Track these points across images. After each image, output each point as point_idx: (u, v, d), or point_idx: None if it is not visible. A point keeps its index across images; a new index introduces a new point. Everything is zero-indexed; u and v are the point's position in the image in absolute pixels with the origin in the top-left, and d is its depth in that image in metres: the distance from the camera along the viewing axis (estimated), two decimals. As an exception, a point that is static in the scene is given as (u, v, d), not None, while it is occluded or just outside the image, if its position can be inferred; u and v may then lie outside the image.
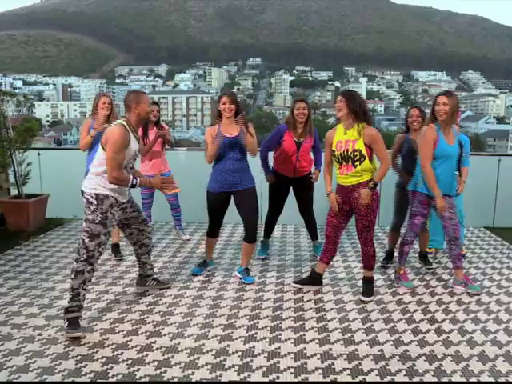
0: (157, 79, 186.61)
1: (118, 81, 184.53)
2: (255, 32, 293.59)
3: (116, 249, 5.13)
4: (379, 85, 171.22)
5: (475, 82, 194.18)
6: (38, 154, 7.01)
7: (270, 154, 4.96)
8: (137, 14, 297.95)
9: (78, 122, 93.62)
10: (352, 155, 3.75)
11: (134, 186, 3.55)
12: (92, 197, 3.49)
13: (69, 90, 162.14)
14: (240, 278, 4.37)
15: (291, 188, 5.01)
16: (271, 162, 4.99)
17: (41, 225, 6.41)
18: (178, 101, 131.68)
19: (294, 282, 4.29)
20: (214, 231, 4.47)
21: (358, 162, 3.75)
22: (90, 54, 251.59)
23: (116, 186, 3.51)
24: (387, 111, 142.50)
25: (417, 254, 5.18)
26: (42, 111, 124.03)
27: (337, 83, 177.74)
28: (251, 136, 4.16)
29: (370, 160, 3.79)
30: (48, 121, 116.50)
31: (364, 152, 3.73)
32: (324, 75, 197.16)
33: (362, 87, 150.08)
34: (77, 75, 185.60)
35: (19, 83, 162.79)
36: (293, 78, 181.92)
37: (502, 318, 3.64)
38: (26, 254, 5.25)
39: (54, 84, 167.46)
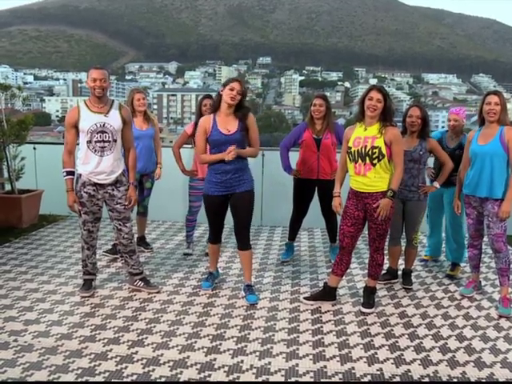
0: (166, 76, 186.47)
1: (128, 77, 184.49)
2: (265, 31, 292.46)
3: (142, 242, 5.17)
4: (389, 86, 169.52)
5: (486, 86, 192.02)
6: (34, 148, 6.83)
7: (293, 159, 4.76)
8: (148, 11, 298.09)
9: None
10: (370, 152, 3.46)
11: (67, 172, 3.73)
12: None
13: (79, 85, 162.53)
14: (244, 297, 3.89)
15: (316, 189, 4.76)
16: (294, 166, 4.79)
17: (34, 221, 6.21)
18: (187, 98, 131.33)
19: (305, 298, 3.85)
20: (216, 237, 4.02)
21: (376, 160, 3.46)
22: (100, 50, 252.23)
23: (87, 165, 3.69)
24: (396, 113, 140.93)
25: (422, 262, 4.93)
26: (52, 106, 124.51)
27: (346, 84, 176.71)
28: (252, 130, 3.74)
29: (390, 161, 3.50)
30: (58, 116, 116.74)
31: (383, 150, 3.44)
32: (334, 76, 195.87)
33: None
34: (87, 71, 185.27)
35: (30, 78, 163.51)
36: (302, 77, 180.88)
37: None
38: (15, 251, 5.04)
39: (65, 79, 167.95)
